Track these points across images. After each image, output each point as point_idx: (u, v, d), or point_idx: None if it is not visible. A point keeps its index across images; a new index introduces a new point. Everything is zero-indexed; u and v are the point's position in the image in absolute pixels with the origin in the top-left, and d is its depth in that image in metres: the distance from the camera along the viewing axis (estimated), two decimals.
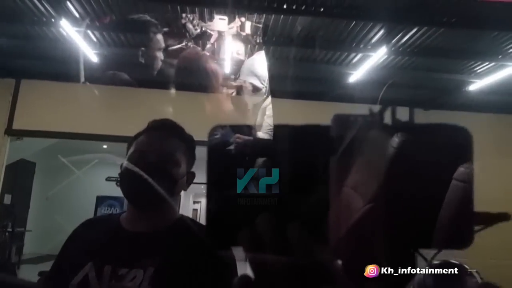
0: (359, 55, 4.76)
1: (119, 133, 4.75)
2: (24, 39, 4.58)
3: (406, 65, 4.98)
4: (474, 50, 4.57)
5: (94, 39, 4.49)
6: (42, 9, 3.98)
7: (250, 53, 3.68)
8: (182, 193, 1.16)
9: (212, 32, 3.46)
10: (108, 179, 7.29)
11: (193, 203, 13.89)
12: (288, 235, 0.40)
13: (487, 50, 4.53)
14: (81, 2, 3.81)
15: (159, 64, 3.46)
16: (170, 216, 1.08)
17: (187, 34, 3.37)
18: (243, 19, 3.78)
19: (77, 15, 3.98)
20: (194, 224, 1.13)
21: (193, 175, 1.13)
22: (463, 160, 0.44)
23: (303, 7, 3.78)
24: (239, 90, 3.25)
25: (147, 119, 1.15)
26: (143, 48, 3.52)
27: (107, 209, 7.62)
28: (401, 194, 0.42)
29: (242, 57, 3.74)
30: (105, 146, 7.69)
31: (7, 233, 7.25)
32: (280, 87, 4.23)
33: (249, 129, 0.50)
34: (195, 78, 3.46)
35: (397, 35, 4.24)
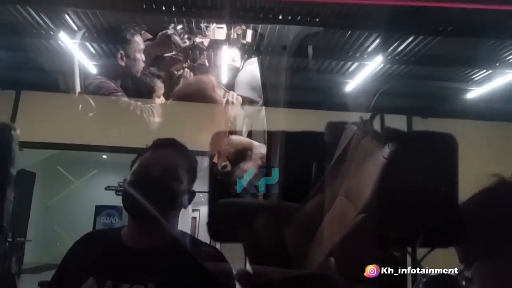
0: (356, 64, 4.78)
1: (118, 144, 4.78)
2: (24, 51, 4.62)
3: (403, 73, 4.99)
4: (471, 58, 4.58)
5: (93, 51, 4.53)
6: (41, 22, 4.03)
7: (245, 60, 3.71)
8: None
9: (204, 46, 3.49)
10: (107, 188, 7.30)
11: (192, 211, 13.88)
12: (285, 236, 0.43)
13: (484, 58, 4.54)
14: (79, 15, 3.85)
15: (141, 65, 3.49)
16: (170, 232, 1.11)
17: (174, 46, 3.40)
18: (243, 27, 3.82)
19: (75, 27, 4.02)
20: (194, 240, 1.17)
21: (193, 194, 1.16)
22: (448, 165, 0.46)
23: (299, 18, 3.80)
24: (227, 104, 3.28)
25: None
26: (121, 51, 3.55)
27: (106, 219, 7.62)
28: (391, 202, 0.43)
29: (237, 64, 3.78)
30: (104, 157, 7.72)
31: (7, 243, 7.24)
32: (277, 96, 4.25)
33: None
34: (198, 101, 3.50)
35: (393, 44, 4.27)
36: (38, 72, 5.13)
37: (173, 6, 3.68)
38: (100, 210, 7.73)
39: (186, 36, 3.55)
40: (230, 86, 3.52)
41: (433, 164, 0.45)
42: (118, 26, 3.78)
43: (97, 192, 7.89)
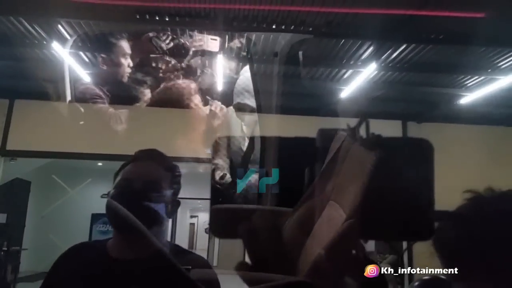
0: (350, 71, 4.80)
1: (113, 152, 4.77)
2: (17, 60, 4.62)
3: (397, 79, 5.02)
4: (464, 65, 4.62)
5: (86, 60, 4.53)
6: (34, 32, 4.02)
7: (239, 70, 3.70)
8: (179, 208, 1.19)
9: (193, 48, 3.47)
10: (103, 196, 7.27)
11: (190, 217, 13.93)
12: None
13: (477, 65, 4.58)
14: (72, 25, 3.85)
15: (125, 70, 3.46)
16: (155, 242, 1.10)
17: (155, 49, 3.38)
18: (242, 39, 3.83)
19: (68, 37, 4.02)
20: (180, 251, 1.17)
21: (178, 203, 1.17)
22: (427, 168, 0.50)
23: (292, 27, 3.82)
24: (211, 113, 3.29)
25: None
26: (102, 56, 3.53)
27: (102, 226, 7.59)
28: (376, 206, 0.46)
29: (233, 74, 3.78)
30: (100, 164, 7.69)
31: (2, 252, 7.20)
32: (272, 103, 4.26)
33: None
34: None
35: (386, 52, 4.30)
36: (32, 81, 5.13)
37: (167, 16, 3.69)
38: (96, 218, 7.70)
39: (169, 38, 3.53)
40: (229, 96, 3.51)
41: (413, 167, 0.49)
42: (109, 34, 3.79)
43: (93, 200, 7.86)
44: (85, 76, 4.46)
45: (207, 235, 12.05)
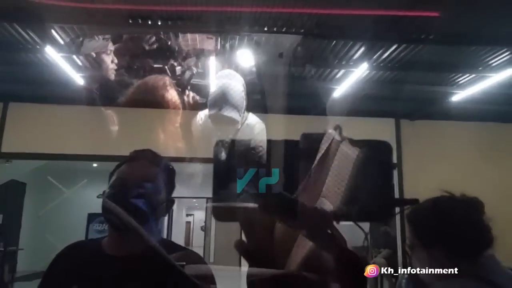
0: (342, 71, 4.83)
1: (108, 153, 4.79)
2: (11, 64, 4.61)
3: (389, 78, 5.06)
4: (455, 63, 4.67)
5: (80, 63, 4.53)
6: (27, 37, 4.02)
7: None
8: (175, 206, 1.23)
9: (184, 49, 3.48)
10: (99, 196, 7.26)
11: (186, 216, 13.95)
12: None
13: (467, 63, 4.63)
14: (65, 29, 3.85)
15: (109, 67, 3.46)
16: (149, 239, 1.13)
17: (141, 48, 3.38)
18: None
19: (61, 41, 4.02)
20: (174, 247, 1.20)
21: (172, 202, 1.20)
22: (389, 165, 0.59)
23: (284, 29, 3.85)
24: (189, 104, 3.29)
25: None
26: (81, 55, 3.53)
27: (99, 226, 7.61)
28: (358, 197, 0.54)
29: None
30: (95, 165, 7.70)
31: None
32: (268, 103, 4.32)
33: None
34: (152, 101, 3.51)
35: (378, 52, 4.32)
36: (26, 84, 5.14)
37: (159, 20, 3.69)
38: (92, 217, 7.72)
39: (154, 38, 3.53)
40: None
41: (380, 165, 0.57)
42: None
43: (89, 200, 7.87)
44: (80, 80, 4.48)
45: (203, 233, 12.10)
